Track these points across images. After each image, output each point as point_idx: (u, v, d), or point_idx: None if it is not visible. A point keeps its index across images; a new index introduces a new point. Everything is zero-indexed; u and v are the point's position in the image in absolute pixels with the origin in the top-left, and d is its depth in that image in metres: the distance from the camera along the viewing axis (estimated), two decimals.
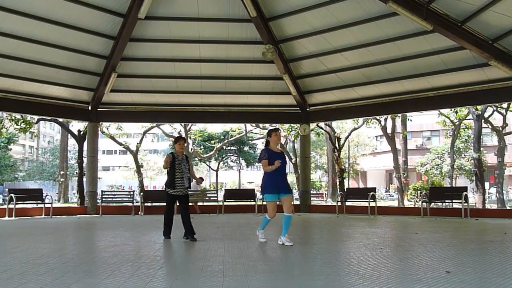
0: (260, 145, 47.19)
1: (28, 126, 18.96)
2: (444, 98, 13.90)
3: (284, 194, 7.39)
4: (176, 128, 31.32)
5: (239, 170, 50.32)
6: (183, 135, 29.61)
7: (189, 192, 13.89)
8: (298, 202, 16.96)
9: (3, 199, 31.21)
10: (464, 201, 13.37)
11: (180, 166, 7.90)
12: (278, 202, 7.51)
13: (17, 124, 18.53)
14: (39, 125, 45.08)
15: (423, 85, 13.95)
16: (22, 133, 21.52)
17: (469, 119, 23.99)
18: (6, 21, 12.16)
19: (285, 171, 7.45)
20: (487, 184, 29.10)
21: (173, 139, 8.30)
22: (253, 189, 17.76)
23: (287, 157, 7.54)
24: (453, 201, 15.60)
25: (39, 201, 14.98)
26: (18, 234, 9.30)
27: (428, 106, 15.05)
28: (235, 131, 35.27)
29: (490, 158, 31.88)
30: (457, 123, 25.38)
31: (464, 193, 13.52)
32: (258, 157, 7.50)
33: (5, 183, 46.29)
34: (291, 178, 39.64)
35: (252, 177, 58.15)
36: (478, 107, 20.03)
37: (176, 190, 7.94)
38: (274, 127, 8.09)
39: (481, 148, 22.62)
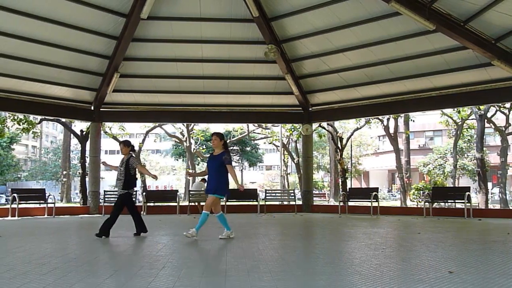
0: (263, 145, 47.25)
1: (30, 126, 18.99)
2: (447, 98, 13.87)
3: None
4: (179, 128, 31.36)
5: (241, 170, 50.29)
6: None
7: (192, 192, 14.01)
8: (300, 202, 16.94)
9: (6, 199, 31.27)
10: (466, 201, 13.34)
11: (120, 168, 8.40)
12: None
13: (19, 124, 18.56)
14: (42, 125, 45.15)
15: (425, 85, 13.92)
16: (25, 133, 21.56)
17: (472, 119, 23.93)
18: (9, 21, 12.19)
19: (213, 172, 7.79)
20: (490, 184, 29.01)
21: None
22: (256, 189, 17.80)
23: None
24: (456, 201, 15.56)
25: (41, 201, 14.99)
26: (21, 234, 9.32)
27: (431, 106, 15.02)
28: (237, 131, 35.29)
29: (493, 158, 31.77)
30: (459, 123, 25.32)
31: (467, 193, 13.50)
32: (229, 160, 7.79)
33: (8, 183, 46.38)
34: (294, 178, 39.65)
35: (255, 177, 58.15)
36: (481, 107, 19.97)
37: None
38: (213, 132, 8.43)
39: (484, 148, 22.50)
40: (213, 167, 7.76)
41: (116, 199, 8.72)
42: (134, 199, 15.76)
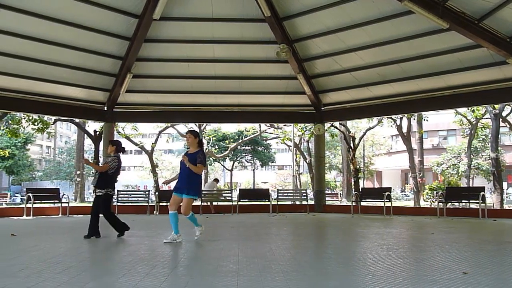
0: (275, 145, 47.22)
1: (45, 126, 19.20)
2: (461, 97, 13.74)
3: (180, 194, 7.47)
4: (191, 128, 31.46)
5: (253, 170, 50.35)
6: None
7: (205, 192, 14.05)
8: (312, 202, 16.90)
9: (21, 198, 31.66)
10: (481, 201, 13.20)
11: None
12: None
13: (34, 125, 18.77)
14: (56, 125, 45.64)
15: (438, 84, 13.81)
16: (40, 134, 21.80)
17: (487, 118, 23.70)
18: (24, 23, 12.32)
19: (183, 171, 7.46)
20: (505, 184, 28.73)
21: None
22: (268, 189, 17.78)
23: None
24: (470, 201, 15.41)
25: (56, 201, 15.13)
26: (36, 233, 9.42)
27: (444, 105, 14.89)
28: (249, 131, 35.33)
29: (508, 158, 31.51)
30: (474, 122, 25.09)
31: (482, 193, 13.35)
32: (202, 161, 7.46)
33: (23, 182, 46.97)
34: (306, 178, 39.57)
35: (267, 177, 58.14)
36: (496, 106, 19.77)
37: None
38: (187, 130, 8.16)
39: (499, 148, 22.30)
40: (183, 166, 7.41)
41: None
42: (145, 198, 15.96)
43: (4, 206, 25.00)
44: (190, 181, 7.39)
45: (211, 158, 37.72)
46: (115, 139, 8.57)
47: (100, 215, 8.18)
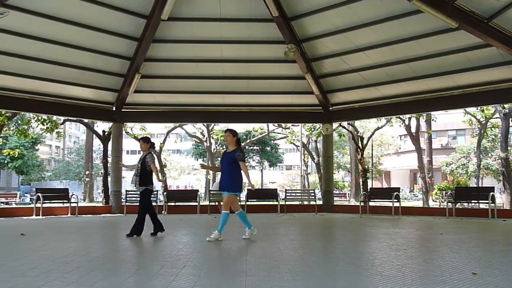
0: (283, 145, 47.20)
1: (54, 126, 19.31)
2: (470, 97, 13.66)
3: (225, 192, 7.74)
4: (199, 128, 31.55)
5: (261, 170, 50.32)
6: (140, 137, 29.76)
7: (213, 192, 14.13)
8: (320, 202, 16.86)
9: (30, 198, 31.88)
10: (490, 201, 13.10)
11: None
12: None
13: (43, 125, 18.89)
14: (65, 125, 45.90)
15: (448, 84, 13.72)
16: (49, 134, 21.94)
17: (496, 117, 23.53)
18: (33, 24, 12.41)
19: (224, 169, 7.71)
20: None
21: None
22: (276, 189, 17.79)
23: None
24: (480, 201, 15.30)
25: (65, 201, 15.22)
26: (45, 232, 9.48)
27: (453, 105, 14.82)
28: (257, 131, 35.33)
29: None
30: (483, 121, 24.92)
31: (491, 193, 13.25)
32: (242, 157, 7.69)
33: (32, 182, 47.28)
34: (314, 178, 39.49)
35: (275, 177, 58.08)
36: (506, 105, 19.62)
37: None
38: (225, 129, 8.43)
39: (509, 147, 22.11)
40: (226, 163, 7.66)
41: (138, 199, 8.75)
42: (154, 198, 16.01)
43: (14, 206, 25.20)
44: (231, 179, 7.63)
45: (219, 158, 37.76)
46: (145, 136, 8.93)
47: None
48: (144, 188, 8.50)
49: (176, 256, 6.02)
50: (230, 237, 8.31)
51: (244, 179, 7.86)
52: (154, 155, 8.79)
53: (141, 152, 8.76)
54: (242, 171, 7.65)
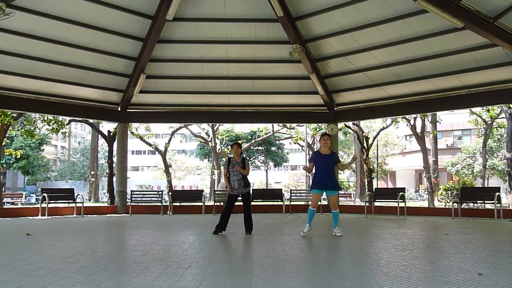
0: (288, 145, 47.19)
1: (60, 126, 19.39)
2: (476, 97, 13.61)
3: (329, 191, 8.43)
4: (204, 129, 31.58)
5: (266, 170, 50.34)
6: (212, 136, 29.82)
7: (218, 192, 14.21)
8: (326, 202, 16.81)
9: (36, 198, 32.01)
10: (496, 201, 13.05)
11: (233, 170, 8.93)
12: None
13: (49, 125, 18.96)
14: (71, 126, 46.06)
15: (453, 83, 13.68)
16: (54, 134, 22.01)
17: (502, 117, 23.43)
18: (39, 24, 12.46)
19: (329, 170, 8.38)
20: None
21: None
22: (281, 189, 17.76)
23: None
24: (485, 201, 15.24)
25: (70, 201, 15.29)
26: (51, 232, 9.51)
27: (459, 105, 14.76)
28: (262, 131, 35.32)
29: None
30: (489, 122, 24.82)
31: (497, 193, 13.21)
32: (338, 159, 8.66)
33: (38, 182, 47.49)
34: None
35: (280, 177, 58.10)
36: (511, 105, 19.54)
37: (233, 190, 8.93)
38: (323, 133, 9.33)
39: None
40: (328, 165, 8.34)
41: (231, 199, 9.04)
42: (159, 198, 16.07)
43: (20, 206, 25.31)
44: (335, 179, 8.53)
45: (223, 159, 37.78)
46: (237, 141, 9.46)
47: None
48: (248, 190, 8.98)
49: (182, 256, 6.02)
50: (235, 237, 8.31)
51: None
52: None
53: (234, 156, 9.02)
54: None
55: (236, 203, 9.07)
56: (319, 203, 9.10)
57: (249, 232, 8.78)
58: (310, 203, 8.71)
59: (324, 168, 8.32)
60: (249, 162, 9.21)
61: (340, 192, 9.47)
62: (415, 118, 23.83)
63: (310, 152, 31.52)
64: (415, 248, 6.84)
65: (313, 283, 4.37)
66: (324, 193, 8.48)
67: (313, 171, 8.51)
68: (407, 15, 12.18)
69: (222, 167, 9.09)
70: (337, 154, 8.56)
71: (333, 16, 13.24)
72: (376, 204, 15.81)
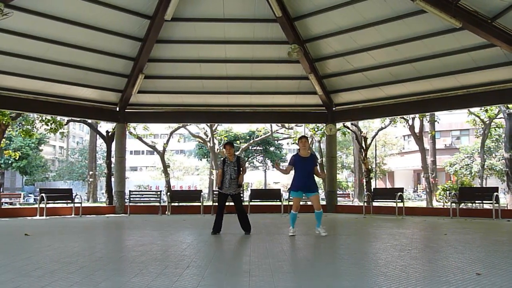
0: (286, 145, 47.18)
1: (58, 127, 19.36)
2: (474, 97, 13.62)
3: (310, 193, 8.49)
4: (203, 129, 31.56)
5: (265, 170, 50.33)
6: (209, 136, 29.84)
7: (216, 192, 14.12)
8: (324, 202, 16.84)
9: (34, 198, 31.96)
10: (495, 201, 13.07)
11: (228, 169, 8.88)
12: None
13: (47, 125, 18.94)
14: (69, 126, 46.02)
15: (452, 84, 13.69)
16: (53, 134, 21.98)
17: (500, 117, 23.44)
18: (38, 24, 12.43)
19: (309, 172, 8.47)
20: None
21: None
22: (279, 189, 17.75)
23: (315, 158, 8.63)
24: (484, 201, 15.26)
25: (69, 201, 15.26)
26: (49, 233, 9.51)
27: (458, 105, 14.76)
28: (260, 131, 35.31)
29: None
30: (487, 122, 24.84)
31: (495, 193, 13.22)
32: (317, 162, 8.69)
33: (36, 183, 47.41)
34: (317, 178, 39.42)
35: (278, 177, 58.06)
36: (510, 105, 19.55)
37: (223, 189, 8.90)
38: (301, 135, 9.33)
39: None
40: (308, 167, 8.40)
41: (237, 199, 9.05)
42: (157, 198, 16.06)
43: (18, 206, 25.27)
44: (314, 181, 8.57)
45: (221, 158, 37.78)
46: (230, 141, 9.49)
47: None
48: (241, 189, 9.03)
49: (180, 256, 6.02)
50: (233, 237, 8.31)
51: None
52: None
53: (228, 156, 9.01)
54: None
55: (230, 204, 9.08)
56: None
57: (247, 232, 8.78)
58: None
59: (304, 170, 8.39)
60: (246, 161, 9.11)
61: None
62: (413, 118, 23.83)
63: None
64: (413, 248, 6.85)
65: (312, 283, 4.38)
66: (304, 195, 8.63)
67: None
68: (406, 15, 12.19)
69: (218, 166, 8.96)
70: (316, 157, 8.55)
71: (332, 16, 13.25)
72: (375, 204, 15.82)
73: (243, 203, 9.15)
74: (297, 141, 8.96)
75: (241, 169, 8.96)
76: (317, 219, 8.53)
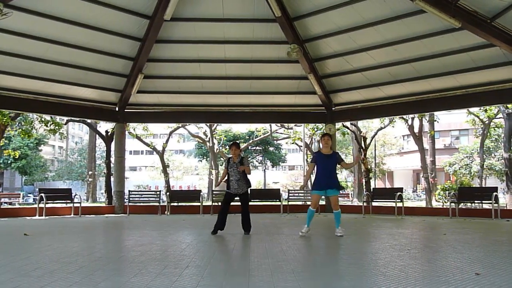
0: (285, 145, 47.18)
1: (57, 127, 19.35)
2: (473, 97, 13.63)
3: (330, 192, 8.40)
4: (202, 128, 31.57)
5: (264, 170, 50.33)
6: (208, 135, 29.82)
7: (216, 192, 14.24)
8: (323, 202, 16.83)
9: (33, 198, 31.94)
10: (494, 201, 13.07)
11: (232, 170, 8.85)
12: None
13: (47, 126, 18.92)
14: (68, 126, 45.99)
15: (451, 84, 13.70)
16: (52, 134, 21.97)
17: (499, 117, 23.48)
18: (38, 24, 12.43)
19: (331, 170, 8.40)
20: None
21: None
22: (279, 189, 17.74)
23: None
24: (483, 201, 15.26)
25: (68, 201, 15.26)
26: (49, 233, 9.50)
27: (457, 105, 14.76)
28: (260, 131, 35.33)
29: None
30: (486, 122, 24.86)
31: (494, 193, 13.23)
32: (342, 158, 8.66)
33: (35, 183, 47.39)
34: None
35: (277, 177, 58.08)
36: (509, 105, 19.58)
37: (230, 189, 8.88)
38: (324, 133, 9.35)
39: None
40: (330, 165, 8.35)
41: (244, 199, 8.97)
42: (157, 198, 16.06)
43: (17, 206, 25.25)
44: (337, 179, 8.51)
45: (221, 159, 37.76)
46: (235, 141, 9.40)
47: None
48: (247, 189, 8.91)
49: (179, 256, 6.02)
50: (233, 237, 8.31)
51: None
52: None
53: (232, 157, 8.97)
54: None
55: (235, 203, 9.05)
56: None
57: (247, 232, 8.78)
58: (308, 203, 8.77)
59: (325, 168, 8.33)
60: (248, 161, 9.03)
61: (341, 192, 9.53)
62: (412, 118, 23.86)
63: (308, 152, 31.52)
64: (412, 248, 6.85)
65: (311, 283, 4.38)
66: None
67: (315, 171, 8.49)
68: (405, 15, 12.19)
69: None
70: (339, 153, 8.56)
71: (331, 16, 13.25)
72: (374, 204, 15.82)
73: (249, 203, 9.07)
74: (320, 138, 8.96)
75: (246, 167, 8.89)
76: (336, 220, 8.49)
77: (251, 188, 9.28)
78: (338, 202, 8.53)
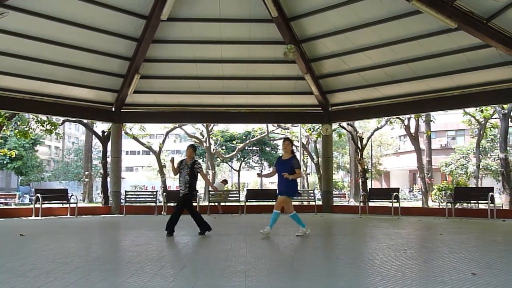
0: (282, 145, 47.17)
1: (53, 127, 19.29)
2: (470, 97, 13.67)
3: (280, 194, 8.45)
4: (198, 129, 31.55)
5: (261, 170, 50.33)
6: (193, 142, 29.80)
7: (212, 193, 14.23)
8: (320, 203, 16.86)
9: (29, 199, 31.85)
10: (490, 201, 13.11)
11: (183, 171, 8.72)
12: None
13: (43, 126, 18.87)
14: (64, 126, 45.86)
15: (447, 84, 13.73)
16: (48, 134, 21.91)
17: (495, 118, 23.52)
18: (34, 24, 12.39)
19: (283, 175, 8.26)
20: None
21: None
22: (275, 190, 17.70)
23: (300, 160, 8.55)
24: (479, 201, 15.29)
25: (64, 201, 15.21)
26: (45, 233, 9.47)
27: (453, 105, 14.82)
28: (256, 131, 35.32)
29: None
30: (482, 122, 24.93)
31: (490, 193, 13.25)
32: (298, 165, 8.42)
33: (31, 183, 47.25)
34: (313, 179, 39.48)
35: (274, 178, 57.93)
36: (505, 105, 19.63)
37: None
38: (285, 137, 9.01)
39: (508, 148, 22.11)
40: (283, 170, 8.26)
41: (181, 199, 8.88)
42: (153, 198, 16.05)
43: (13, 206, 25.18)
44: (287, 184, 8.32)
45: (218, 159, 37.74)
46: (192, 143, 9.27)
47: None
48: (189, 192, 8.72)
49: (176, 257, 6.02)
50: (229, 238, 8.31)
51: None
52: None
53: (187, 158, 8.87)
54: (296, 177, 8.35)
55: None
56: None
57: (202, 232, 8.70)
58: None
59: (279, 173, 8.38)
60: (201, 166, 8.89)
61: (298, 197, 9.35)
62: (409, 119, 23.89)
63: (305, 153, 31.55)
64: (409, 248, 6.86)
65: (308, 284, 4.38)
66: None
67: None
68: (401, 16, 12.22)
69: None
70: (296, 159, 8.45)
71: (328, 17, 13.26)
72: (371, 204, 15.84)
73: (190, 204, 8.94)
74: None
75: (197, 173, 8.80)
76: (296, 222, 8.45)
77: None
78: (281, 204, 8.42)
